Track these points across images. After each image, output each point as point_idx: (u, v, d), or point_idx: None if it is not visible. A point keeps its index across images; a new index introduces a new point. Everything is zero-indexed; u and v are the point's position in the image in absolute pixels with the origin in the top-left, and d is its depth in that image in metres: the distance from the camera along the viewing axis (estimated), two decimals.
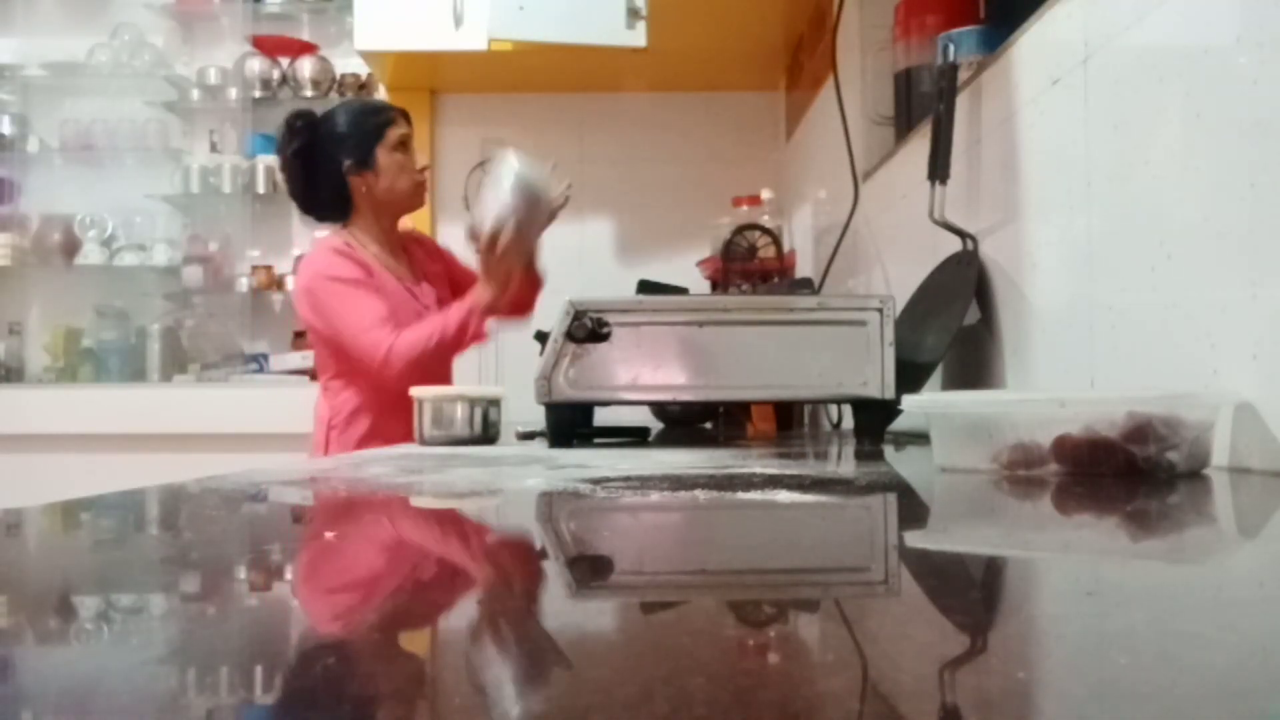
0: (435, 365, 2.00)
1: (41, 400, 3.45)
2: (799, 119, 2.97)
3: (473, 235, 1.93)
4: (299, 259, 3.73)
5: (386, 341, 1.99)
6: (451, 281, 2.33)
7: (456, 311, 1.99)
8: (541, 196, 1.93)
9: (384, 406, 2.04)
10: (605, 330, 1.35)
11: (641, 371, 1.36)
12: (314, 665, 0.32)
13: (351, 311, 2.03)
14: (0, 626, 0.39)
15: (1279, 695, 0.28)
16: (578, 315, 1.35)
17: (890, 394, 1.37)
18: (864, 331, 1.38)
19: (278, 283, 3.70)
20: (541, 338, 1.41)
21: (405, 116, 2.20)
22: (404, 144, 2.15)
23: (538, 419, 1.48)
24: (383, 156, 2.13)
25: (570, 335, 1.35)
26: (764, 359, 1.37)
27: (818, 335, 1.37)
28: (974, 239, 1.44)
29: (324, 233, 2.38)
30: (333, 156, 2.11)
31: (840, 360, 1.37)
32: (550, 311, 1.40)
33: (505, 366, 3.34)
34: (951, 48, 1.47)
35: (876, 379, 1.37)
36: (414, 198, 2.20)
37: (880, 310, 1.38)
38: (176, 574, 0.52)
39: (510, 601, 0.43)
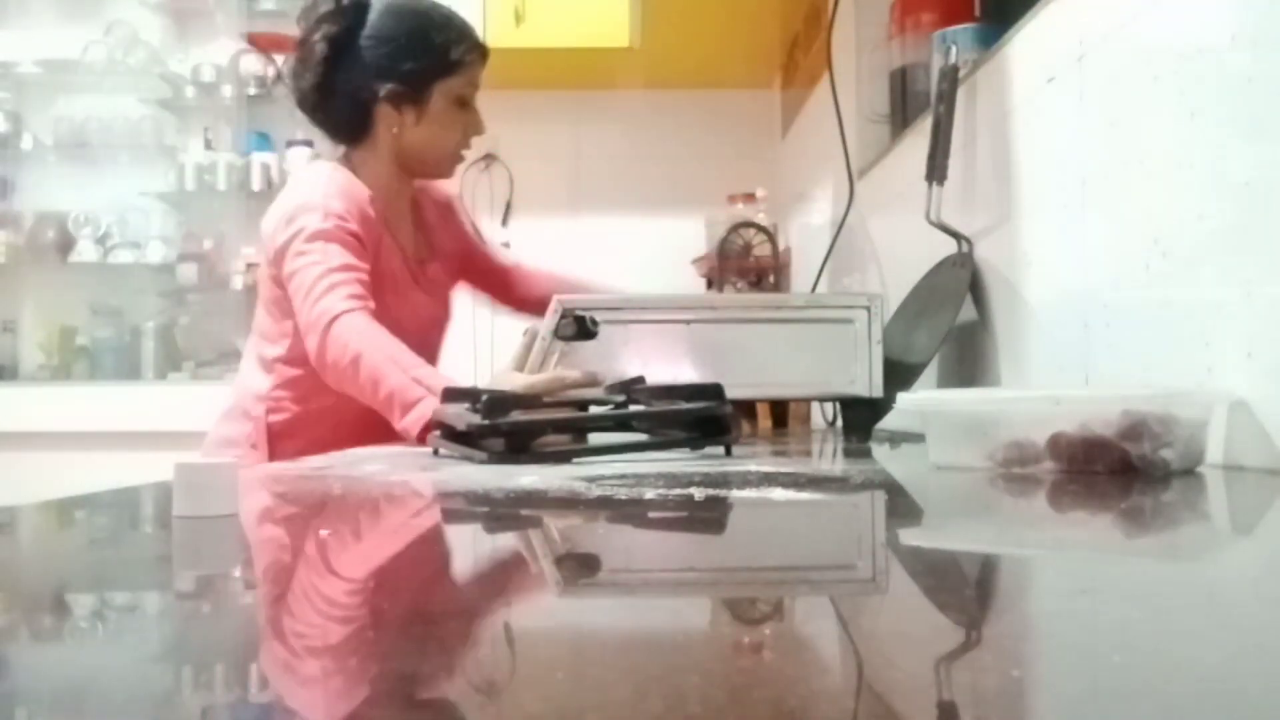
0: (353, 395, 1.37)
1: (36, 398, 3.45)
2: (794, 116, 2.97)
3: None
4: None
5: (336, 310, 1.36)
6: (465, 268, 1.76)
7: (414, 391, 1.27)
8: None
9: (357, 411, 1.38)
10: (593, 329, 1.34)
11: (629, 370, 1.35)
12: (303, 665, 0.32)
13: (319, 259, 1.41)
14: None
15: (1273, 693, 0.28)
16: (565, 313, 1.35)
17: (878, 392, 1.37)
18: (851, 330, 1.38)
19: None
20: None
21: (484, 59, 1.61)
22: (468, 98, 1.59)
23: None
24: (438, 102, 1.55)
25: (558, 333, 1.34)
26: (752, 357, 1.37)
27: (806, 333, 1.37)
28: (969, 241, 1.44)
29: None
30: (370, 66, 1.53)
31: (828, 358, 1.37)
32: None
33: (498, 363, 3.33)
34: (955, 49, 1.47)
35: (864, 377, 1.37)
36: (446, 166, 1.64)
37: (868, 309, 1.39)
38: (170, 572, 0.52)
39: (504, 600, 0.43)
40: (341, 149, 1.62)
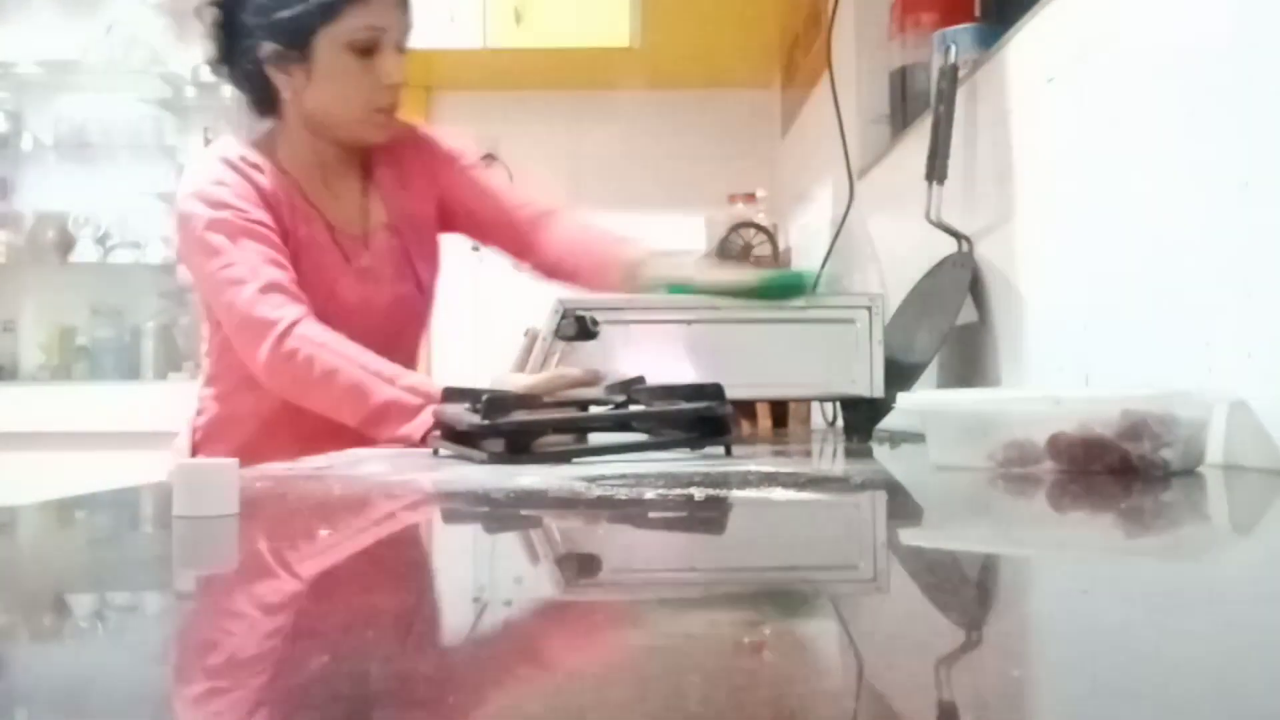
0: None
1: (36, 398, 3.44)
2: (794, 116, 2.97)
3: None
4: None
5: (286, 318, 1.28)
6: (467, 224, 1.58)
7: (407, 395, 1.25)
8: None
9: (274, 410, 1.35)
10: (593, 329, 1.34)
11: (629, 370, 1.35)
12: (304, 665, 0.32)
13: (235, 257, 1.31)
14: None
15: (1273, 693, 0.28)
16: (566, 313, 1.34)
17: (879, 392, 1.37)
18: (852, 330, 1.38)
19: None
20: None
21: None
22: (369, 43, 1.36)
23: None
24: (325, 54, 1.35)
25: (559, 333, 1.34)
26: (753, 357, 1.37)
27: (807, 334, 1.37)
28: (969, 240, 1.44)
29: None
30: (251, 28, 1.36)
31: (829, 359, 1.37)
32: (540, 308, 1.39)
33: (497, 364, 3.33)
34: (954, 49, 1.47)
35: (865, 377, 1.37)
36: (360, 127, 1.41)
37: (869, 309, 1.39)
38: (170, 572, 0.52)
39: (504, 599, 0.43)
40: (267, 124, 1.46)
